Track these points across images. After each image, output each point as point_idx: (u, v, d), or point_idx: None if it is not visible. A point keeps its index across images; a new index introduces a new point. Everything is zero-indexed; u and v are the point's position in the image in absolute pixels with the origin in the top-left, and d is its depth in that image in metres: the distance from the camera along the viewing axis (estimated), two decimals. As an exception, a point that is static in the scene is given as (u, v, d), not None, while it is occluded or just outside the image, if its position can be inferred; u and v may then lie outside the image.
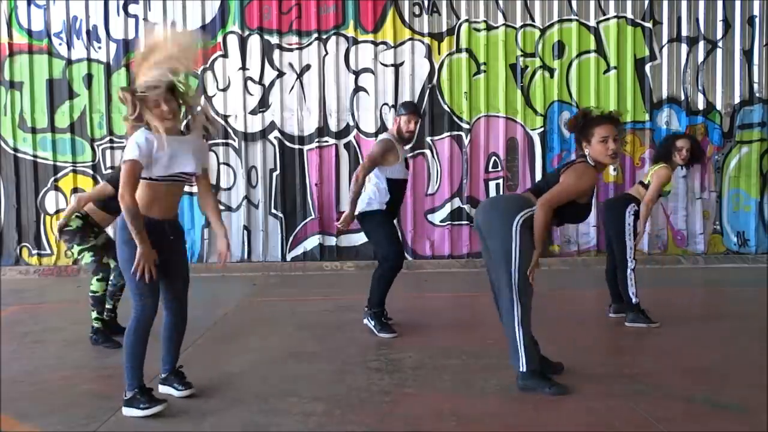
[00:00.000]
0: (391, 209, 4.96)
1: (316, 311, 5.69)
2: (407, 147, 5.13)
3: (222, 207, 8.23)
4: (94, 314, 4.65)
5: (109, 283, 4.72)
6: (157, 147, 3.15)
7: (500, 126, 8.25)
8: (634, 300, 4.97)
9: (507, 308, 3.49)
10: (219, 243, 3.51)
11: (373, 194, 4.92)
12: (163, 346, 3.54)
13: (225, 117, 8.16)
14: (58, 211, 8.16)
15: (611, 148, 3.48)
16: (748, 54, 8.35)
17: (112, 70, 8.11)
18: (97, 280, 4.66)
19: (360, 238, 8.20)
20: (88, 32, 8.11)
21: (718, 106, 8.36)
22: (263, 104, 8.20)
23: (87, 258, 4.67)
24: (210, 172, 3.44)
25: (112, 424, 3.22)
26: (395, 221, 5.16)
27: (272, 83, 8.18)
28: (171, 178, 3.26)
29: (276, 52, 8.17)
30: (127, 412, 3.26)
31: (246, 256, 8.25)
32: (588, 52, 8.26)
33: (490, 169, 8.27)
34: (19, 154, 8.14)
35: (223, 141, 8.18)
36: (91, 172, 8.12)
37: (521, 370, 3.50)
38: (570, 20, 8.23)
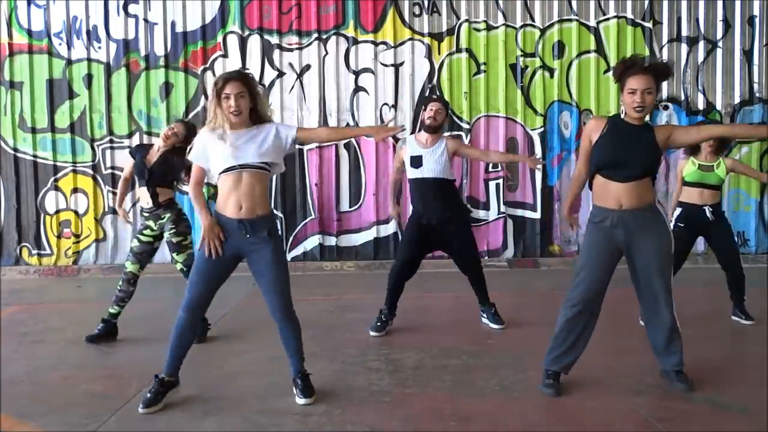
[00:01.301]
0: (417, 212, 4.94)
1: (316, 311, 5.68)
2: (435, 144, 4.86)
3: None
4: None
5: (119, 288, 4.75)
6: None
7: (500, 126, 8.24)
8: None
9: None
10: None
11: None
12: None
13: (225, 117, 8.14)
14: (58, 211, 8.16)
15: (636, 101, 3.36)
16: (748, 54, 8.35)
17: (112, 70, 8.10)
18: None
19: (360, 239, 8.22)
20: (88, 32, 8.10)
21: (718, 106, 8.36)
22: (263, 104, 8.18)
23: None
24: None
25: (112, 424, 3.22)
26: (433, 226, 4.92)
27: (272, 83, 8.18)
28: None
29: (276, 52, 8.17)
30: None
31: (246, 256, 8.24)
32: (588, 52, 8.25)
33: (490, 169, 8.27)
34: (19, 154, 8.14)
35: (223, 141, 8.16)
36: (91, 172, 8.11)
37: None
38: (570, 20, 8.23)
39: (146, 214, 4.75)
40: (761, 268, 7.66)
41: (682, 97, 8.33)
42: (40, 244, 8.20)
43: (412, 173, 4.88)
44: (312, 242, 8.27)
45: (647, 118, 3.56)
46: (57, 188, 8.17)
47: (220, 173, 3.36)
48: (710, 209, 5.05)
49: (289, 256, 8.24)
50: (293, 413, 3.30)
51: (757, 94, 8.35)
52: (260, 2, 8.12)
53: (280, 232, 3.54)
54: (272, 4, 8.13)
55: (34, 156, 8.13)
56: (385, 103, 8.19)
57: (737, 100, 8.36)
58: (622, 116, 3.53)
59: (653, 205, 3.52)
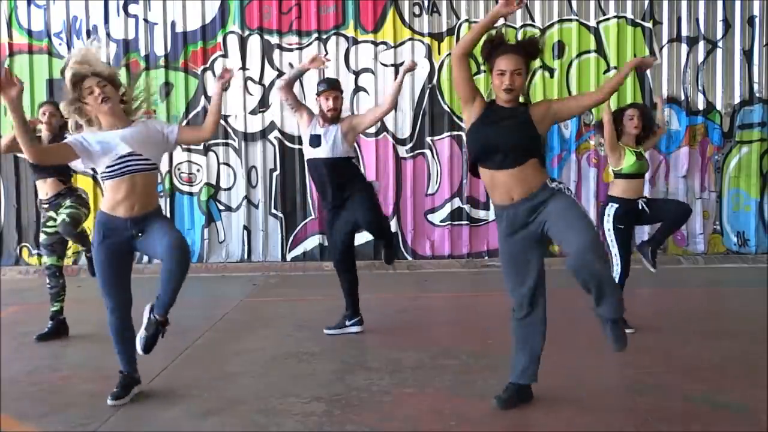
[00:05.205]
0: (325, 198, 4.86)
1: (316, 311, 5.68)
2: (337, 126, 4.76)
3: (222, 207, 8.22)
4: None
5: (48, 285, 4.86)
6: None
7: (500, 126, 8.23)
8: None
9: None
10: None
11: None
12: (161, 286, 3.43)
13: (225, 117, 8.15)
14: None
15: (506, 83, 3.11)
16: (748, 54, 8.34)
17: (112, 70, 8.10)
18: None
19: (359, 239, 8.18)
20: (88, 32, 8.10)
21: (718, 106, 8.35)
22: (263, 104, 8.19)
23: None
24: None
25: (112, 424, 3.22)
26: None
27: (272, 83, 8.17)
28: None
29: (276, 52, 8.17)
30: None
31: (246, 256, 8.25)
32: (588, 52, 8.25)
33: (490, 169, 8.26)
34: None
35: (223, 141, 8.18)
36: (91, 172, 8.09)
37: None
38: (570, 20, 8.23)
39: (46, 206, 4.80)
40: (761, 268, 7.66)
41: (682, 97, 8.32)
42: (40, 244, 8.18)
43: (309, 153, 4.76)
44: (312, 242, 8.26)
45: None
46: (57, 188, 8.15)
47: (108, 179, 3.33)
48: (644, 201, 4.70)
49: (289, 256, 8.24)
50: (293, 413, 3.30)
51: (757, 94, 8.34)
52: (260, 2, 8.11)
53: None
54: (272, 4, 8.13)
55: (34, 156, 8.12)
56: (385, 103, 8.17)
57: (737, 100, 8.35)
58: (496, 101, 3.26)
59: (546, 185, 3.13)
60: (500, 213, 3.24)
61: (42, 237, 4.86)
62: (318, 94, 4.80)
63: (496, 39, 3.22)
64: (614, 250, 4.64)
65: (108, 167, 3.31)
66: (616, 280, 4.61)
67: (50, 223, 4.79)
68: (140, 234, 3.37)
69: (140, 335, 3.41)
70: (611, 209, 4.67)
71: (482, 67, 8.19)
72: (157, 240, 3.33)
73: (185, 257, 3.33)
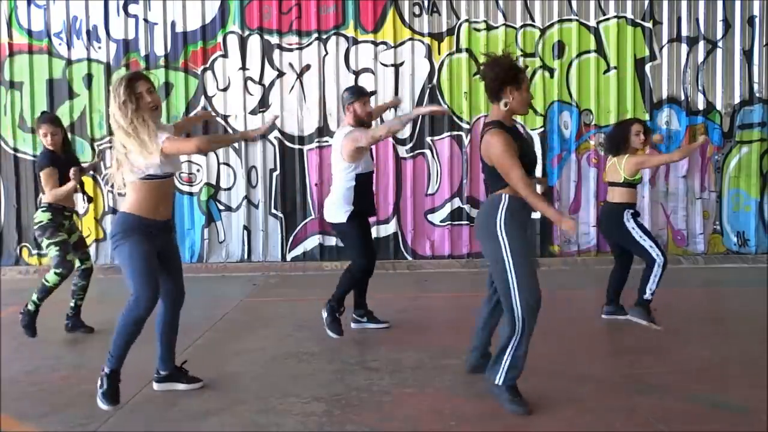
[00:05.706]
0: (360, 208, 4.72)
1: (316, 311, 5.67)
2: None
3: (222, 207, 8.22)
4: (34, 297, 4.86)
5: (72, 283, 4.97)
6: None
7: (500, 126, 8.22)
8: (647, 296, 4.86)
9: (508, 318, 3.30)
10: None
11: (341, 198, 4.70)
12: (161, 345, 3.61)
13: (225, 117, 8.15)
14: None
15: (531, 98, 3.59)
16: (748, 54, 8.34)
17: (112, 70, 8.09)
18: (56, 273, 4.81)
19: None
20: (88, 32, 8.10)
21: (718, 106, 8.35)
22: (263, 104, 8.19)
23: (53, 251, 4.82)
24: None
25: (112, 424, 3.23)
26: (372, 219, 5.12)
27: (272, 83, 8.17)
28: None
29: (276, 52, 8.17)
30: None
31: (246, 256, 8.25)
32: (588, 52, 8.25)
33: (490, 169, 8.25)
34: (19, 154, 8.13)
35: (223, 141, 8.17)
36: (91, 172, 8.08)
37: (496, 382, 3.35)
38: (570, 20, 8.23)
39: (68, 213, 4.91)
40: (761, 268, 7.66)
41: (682, 97, 8.32)
42: (39, 244, 8.18)
43: (368, 166, 4.76)
44: (312, 242, 8.26)
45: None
46: (57, 188, 8.15)
47: (154, 178, 3.31)
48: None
49: (289, 257, 8.25)
50: (293, 413, 3.30)
51: (757, 94, 8.34)
52: (260, 2, 8.11)
53: None
54: (272, 4, 8.12)
55: (34, 156, 8.09)
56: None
57: (737, 100, 8.35)
58: (501, 120, 3.59)
59: None
60: (521, 203, 3.37)
61: (60, 238, 4.80)
62: (351, 103, 4.73)
63: (516, 64, 3.50)
64: (648, 242, 4.90)
65: (165, 171, 3.36)
66: (661, 264, 4.82)
67: (63, 230, 4.88)
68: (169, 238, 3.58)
69: (185, 387, 3.68)
70: (629, 214, 4.99)
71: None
72: (172, 269, 3.56)
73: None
